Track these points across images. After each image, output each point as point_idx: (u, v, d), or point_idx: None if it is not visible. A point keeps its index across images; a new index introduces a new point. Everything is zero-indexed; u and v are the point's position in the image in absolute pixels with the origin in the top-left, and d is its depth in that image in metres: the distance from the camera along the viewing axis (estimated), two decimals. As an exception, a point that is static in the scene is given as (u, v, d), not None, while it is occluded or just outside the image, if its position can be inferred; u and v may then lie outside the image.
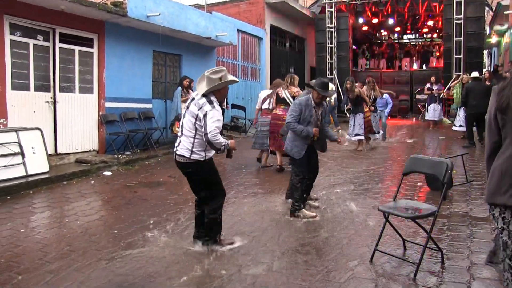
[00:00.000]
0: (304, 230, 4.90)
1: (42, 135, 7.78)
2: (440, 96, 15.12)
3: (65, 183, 7.51)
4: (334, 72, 19.37)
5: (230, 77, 4.24)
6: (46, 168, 7.60)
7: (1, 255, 4.30)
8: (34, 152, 7.49)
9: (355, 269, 3.83)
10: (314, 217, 5.30)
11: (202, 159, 4.14)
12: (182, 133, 4.20)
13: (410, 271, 3.74)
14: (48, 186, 7.18)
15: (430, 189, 6.57)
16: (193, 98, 4.20)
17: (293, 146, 5.46)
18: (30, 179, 7.15)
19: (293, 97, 7.76)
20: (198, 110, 4.04)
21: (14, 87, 7.95)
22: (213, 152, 4.20)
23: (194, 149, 4.10)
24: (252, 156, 9.52)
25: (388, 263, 3.93)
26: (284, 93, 8.02)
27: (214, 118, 3.96)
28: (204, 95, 4.11)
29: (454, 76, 16.46)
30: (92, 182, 7.67)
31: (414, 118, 19.03)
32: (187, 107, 4.20)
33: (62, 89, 8.86)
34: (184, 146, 4.14)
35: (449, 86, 14.54)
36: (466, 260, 3.99)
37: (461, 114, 12.03)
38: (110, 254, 4.28)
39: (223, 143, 4.02)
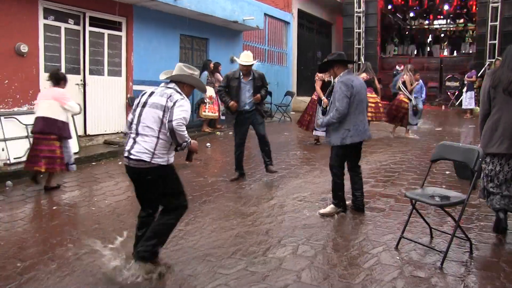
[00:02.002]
0: (330, 215, 4.89)
1: (72, 116, 7.93)
2: (474, 86, 14.57)
3: (93, 163, 7.69)
4: (362, 58, 19.07)
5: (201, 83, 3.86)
6: (76, 149, 7.77)
7: (36, 230, 4.49)
8: (64, 133, 7.66)
9: (380, 255, 3.82)
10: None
11: (165, 164, 3.45)
12: (137, 133, 3.44)
13: (436, 259, 3.70)
14: (77, 166, 7.35)
15: (458, 178, 6.44)
16: (152, 92, 3.56)
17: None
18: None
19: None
20: (167, 99, 3.42)
21: (46, 70, 8.12)
22: (173, 155, 3.56)
23: (156, 151, 3.38)
24: (277, 141, 9.53)
25: (414, 251, 3.90)
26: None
27: (184, 108, 3.41)
28: (168, 87, 3.57)
29: (486, 63, 15.94)
30: (120, 163, 7.81)
31: (443, 106, 18.62)
32: (145, 102, 3.49)
33: (91, 72, 9.01)
34: (142, 149, 3.37)
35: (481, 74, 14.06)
36: (496, 251, 3.93)
37: None
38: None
39: (187, 138, 3.43)
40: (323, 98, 8.58)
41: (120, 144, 8.75)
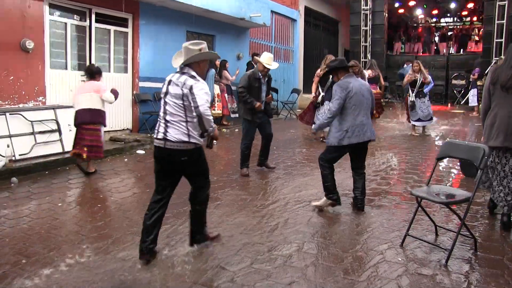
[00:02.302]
0: (334, 212, 4.89)
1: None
2: (477, 83, 14.49)
3: (99, 160, 7.69)
4: (368, 55, 18.99)
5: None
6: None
7: (41, 227, 4.50)
8: (70, 130, 7.64)
9: (385, 252, 3.81)
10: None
11: (199, 144, 3.62)
12: (166, 120, 3.56)
13: (441, 257, 3.69)
14: (83, 163, 7.38)
15: (464, 176, 6.42)
16: (170, 81, 3.66)
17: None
18: (67, 155, 7.34)
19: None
20: (182, 87, 3.52)
21: (52, 66, 8.17)
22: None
23: (190, 133, 3.52)
24: (283, 138, 9.51)
25: (419, 248, 3.89)
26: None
27: (204, 90, 3.51)
28: (183, 73, 3.64)
29: (493, 61, 15.82)
30: (126, 160, 7.85)
31: (449, 104, 18.54)
32: (166, 92, 3.62)
33: (97, 68, 9.04)
34: (177, 132, 3.51)
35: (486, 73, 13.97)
36: (501, 249, 3.90)
37: None
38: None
39: (213, 124, 3.57)
40: (313, 94, 9.20)
41: (126, 141, 8.77)
